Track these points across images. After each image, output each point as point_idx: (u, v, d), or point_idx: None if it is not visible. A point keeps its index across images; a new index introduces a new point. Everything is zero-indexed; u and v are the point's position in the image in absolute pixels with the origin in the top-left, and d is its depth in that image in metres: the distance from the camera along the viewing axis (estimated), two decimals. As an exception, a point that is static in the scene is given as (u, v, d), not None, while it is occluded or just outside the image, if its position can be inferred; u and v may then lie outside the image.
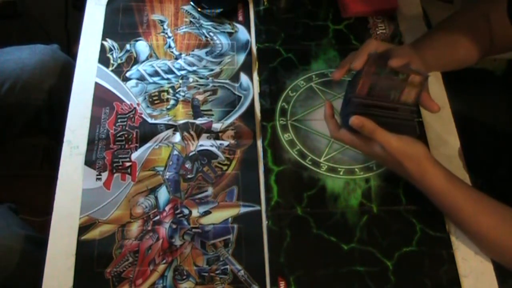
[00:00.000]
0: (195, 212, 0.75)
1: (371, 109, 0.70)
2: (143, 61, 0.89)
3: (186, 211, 0.75)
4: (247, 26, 0.94)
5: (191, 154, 0.80)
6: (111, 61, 0.88)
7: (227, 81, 0.87)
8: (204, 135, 0.81)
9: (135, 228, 0.74)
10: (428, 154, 0.71)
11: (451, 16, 0.86)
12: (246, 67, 0.89)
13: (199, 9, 0.95)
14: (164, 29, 0.93)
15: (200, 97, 0.85)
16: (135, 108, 0.84)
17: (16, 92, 0.99)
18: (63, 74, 1.01)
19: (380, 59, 0.71)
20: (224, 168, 0.79)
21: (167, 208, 0.75)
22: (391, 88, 0.71)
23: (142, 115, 0.83)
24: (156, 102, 0.85)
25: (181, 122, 0.82)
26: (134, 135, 0.81)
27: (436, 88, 0.88)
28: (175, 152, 0.80)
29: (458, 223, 0.74)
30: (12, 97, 0.99)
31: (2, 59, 1.02)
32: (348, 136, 0.73)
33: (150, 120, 0.83)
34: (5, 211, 0.98)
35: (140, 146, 0.80)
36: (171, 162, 0.79)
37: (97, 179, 0.77)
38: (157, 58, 0.89)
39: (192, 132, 0.82)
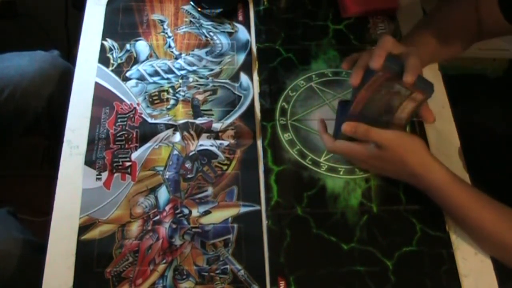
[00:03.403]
0: (195, 212, 0.75)
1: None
2: (143, 61, 0.89)
3: (186, 211, 0.75)
4: (247, 26, 0.94)
5: (191, 154, 0.80)
6: (111, 61, 0.88)
7: (227, 81, 0.87)
8: (204, 135, 0.81)
9: (135, 228, 0.74)
10: (428, 149, 0.72)
11: (439, 7, 0.85)
12: (246, 67, 0.89)
13: (199, 9, 0.95)
14: (164, 29, 0.93)
15: (200, 97, 0.85)
16: (135, 108, 0.84)
17: (16, 99, 0.99)
18: (62, 82, 1.00)
19: (387, 70, 0.67)
20: (224, 168, 0.79)
21: (167, 208, 0.75)
22: (389, 102, 0.71)
23: (142, 115, 0.83)
24: (156, 102, 0.85)
25: (181, 122, 0.82)
26: (134, 135, 0.81)
27: (436, 88, 0.88)
28: (175, 152, 0.80)
29: (459, 218, 0.73)
30: (12, 104, 1.00)
31: (2, 65, 1.02)
32: (344, 144, 0.73)
33: (150, 120, 0.83)
34: (4, 215, 0.97)
35: (140, 146, 0.80)
36: (171, 162, 0.79)
37: (97, 179, 0.77)
38: (157, 58, 0.89)
39: (192, 132, 0.82)
